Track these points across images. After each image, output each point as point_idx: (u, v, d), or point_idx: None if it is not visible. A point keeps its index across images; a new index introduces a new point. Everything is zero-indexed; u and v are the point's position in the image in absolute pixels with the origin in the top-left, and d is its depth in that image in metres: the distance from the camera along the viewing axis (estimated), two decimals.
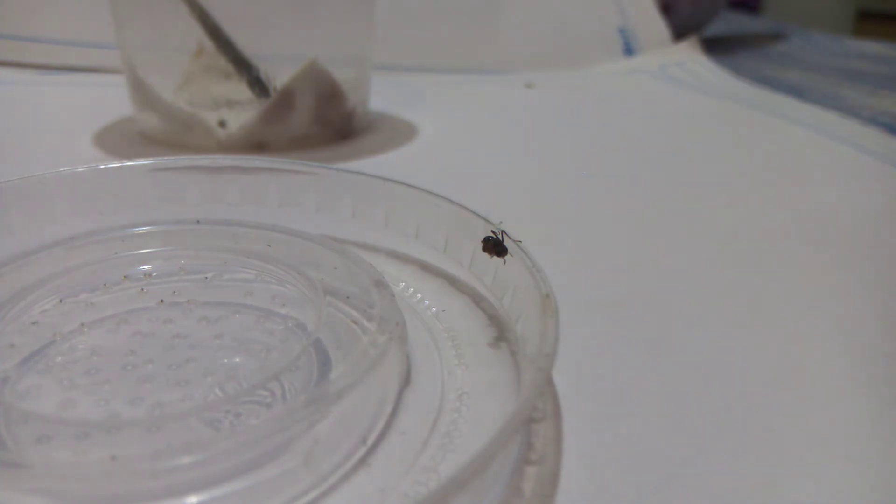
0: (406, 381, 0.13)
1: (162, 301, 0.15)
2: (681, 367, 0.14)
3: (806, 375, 0.14)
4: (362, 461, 0.11)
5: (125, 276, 0.15)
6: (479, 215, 0.16)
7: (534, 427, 0.12)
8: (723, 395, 0.14)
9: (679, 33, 0.58)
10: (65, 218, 0.17)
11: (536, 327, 0.12)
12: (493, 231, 0.15)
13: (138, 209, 0.18)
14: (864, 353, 0.15)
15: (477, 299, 0.16)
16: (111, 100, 0.33)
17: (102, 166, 0.18)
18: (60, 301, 0.14)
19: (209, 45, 0.27)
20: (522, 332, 0.13)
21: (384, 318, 0.13)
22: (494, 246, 0.15)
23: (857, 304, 0.17)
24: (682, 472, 0.11)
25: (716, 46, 0.59)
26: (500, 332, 0.15)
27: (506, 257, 0.15)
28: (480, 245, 0.15)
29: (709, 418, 0.13)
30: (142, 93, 0.28)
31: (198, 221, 0.17)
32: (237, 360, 0.13)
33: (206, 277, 0.16)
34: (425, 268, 0.18)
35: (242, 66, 0.27)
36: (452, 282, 0.17)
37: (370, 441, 0.11)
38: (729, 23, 0.78)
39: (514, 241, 0.15)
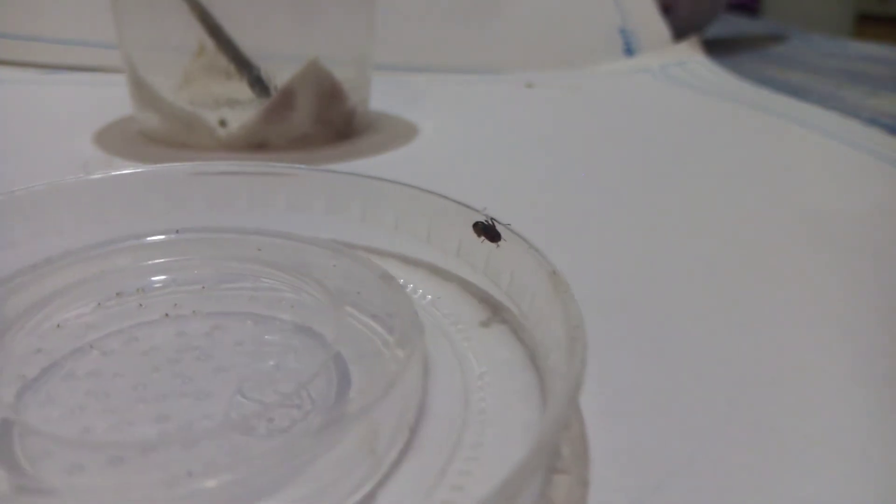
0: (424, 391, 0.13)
1: (172, 314, 0.14)
2: (680, 366, 0.14)
3: (806, 375, 0.14)
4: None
5: (139, 289, 0.15)
6: (494, 219, 0.16)
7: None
8: (723, 394, 0.14)
9: (679, 34, 0.58)
10: (66, 230, 0.16)
11: (563, 354, 0.12)
12: (485, 219, 0.15)
13: (141, 219, 0.17)
14: (864, 353, 0.15)
15: (494, 305, 0.16)
16: (112, 99, 0.33)
17: (96, 176, 0.17)
18: (58, 326, 0.14)
19: (210, 44, 0.27)
20: (543, 340, 0.13)
21: (404, 331, 0.13)
22: (485, 230, 0.15)
23: (857, 304, 0.17)
24: (681, 471, 0.11)
25: (716, 47, 0.59)
26: (520, 339, 0.15)
27: (499, 242, 0.15)
28: (472, 231, 0.15)
29: (708, 418, 0.13)
30: (142, 92, 0.28)
31: (212, 230, 0.16)
32: (259, 369, 0.13)
33: (223, 287, 0.15)
34: (437, 272, 0.17)
35: (243, 65, 0.27)
36: (465, 284, 0.17)
37: (385, 466, 0.11)
38: (729, 25, 0.78)
39: (504, 225, 0.15)
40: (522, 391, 0.13)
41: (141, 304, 0.15)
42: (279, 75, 0.27)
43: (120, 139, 0.29)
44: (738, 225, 0.22)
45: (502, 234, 0.15)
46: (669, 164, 0.29)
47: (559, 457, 0.11)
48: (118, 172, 0.17)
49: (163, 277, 0.15)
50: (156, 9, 0.26)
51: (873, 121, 0.36)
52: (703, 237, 0.21)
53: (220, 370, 0.13)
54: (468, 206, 0.16)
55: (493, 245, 0.15)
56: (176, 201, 0.18)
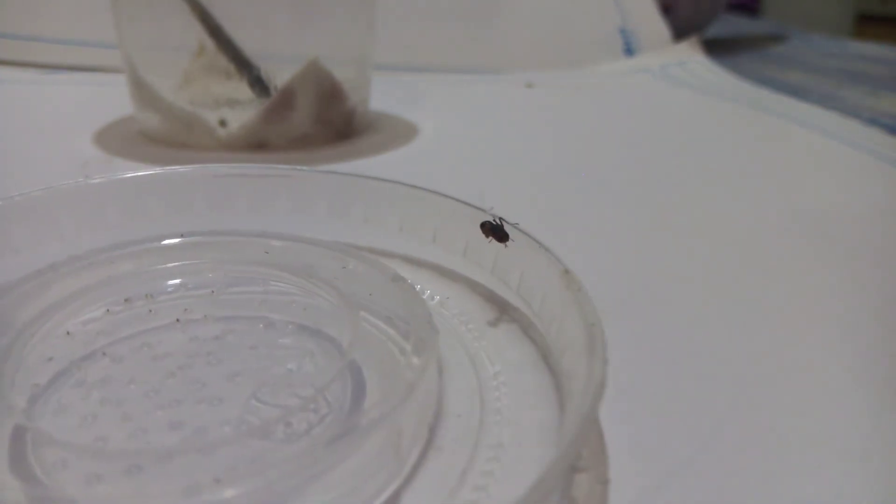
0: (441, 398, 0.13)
1: (183, 318, 0.14)
2: (680, 366, 0.14)
3: (806, 375, 0.14)
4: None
5: (147, 294, 0.15)
6: (502, 219, 0.16)
7: None
8: (723, 394, 0.14)
9: (679, 34, 0.58)
10: (67, 236, 0.16)
11: (580, 352, 0.12)
12: (493, 218, 0.15)
13: (143, 223, 0.17)
14: (864, 353, 0.15)
15: (503, 305, 0.16)
16: (112, 99, 0.33)
17: (96, 181, 0.17)
18: (68, 333, 0.13)
19: (210, 44, 0.27)
20: (556, 339, 0.13)
21: (419, 337, 0.13)
22: (493, 230, 0.15)
23: (857, 304, 0.17)
24: (682, 471, 0.11)
25: (716, 47, 0.59)
26: (532, 338, 0.15)
27: (507, 242, 0.15)
28: (480, 231, 0.15)
29: (709, 418, 0.13)
30: (142, 92, 0.28)
31: (218, 233, 0.16)
32: (274, 373, 0.13)
33: (233, 291, 0.15)
34: (444, 272, 0.17)
35: (243, 65, 0.27)
36: (472, 285, 0.17)
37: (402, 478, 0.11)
38: (729, 25, 0.78)
39: (512, 224, 0.15)
40: (537, 391, 0.13)
41: (150, 310, 0.14)
42: (279, 75, 0.27)
43: (120, 139, 0.29)
44: (738, 225, 0.22)
45: (511, 234, 0.15)
46: (669, 164, 0.29)
47: (579, 456, 0.11)
48: (118, 176, 0.17)
49: (171, 282, 0.15)
50: (156, 9, 0.26)
51: (873, 121, 0.36)
52: (702, 237, 0.21)
53: (234, 375, 0.13)
54: (474, 206, 0.16)
55: (501, 245, 0.15)
56: (177, 205, 0.17)
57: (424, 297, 0.16)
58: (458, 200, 0.16)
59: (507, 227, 0.15)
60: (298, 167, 0.18)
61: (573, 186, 0.26)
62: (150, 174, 0.17)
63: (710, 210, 0.24)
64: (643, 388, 0.14)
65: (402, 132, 0.32)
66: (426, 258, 0.17)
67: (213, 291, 0.15)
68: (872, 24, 1.73)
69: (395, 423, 0.11)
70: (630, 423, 0.13)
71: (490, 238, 0.15)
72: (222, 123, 0.27)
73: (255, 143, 0.28)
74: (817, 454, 0.12)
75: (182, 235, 0.16)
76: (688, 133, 0.35)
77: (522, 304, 0.15)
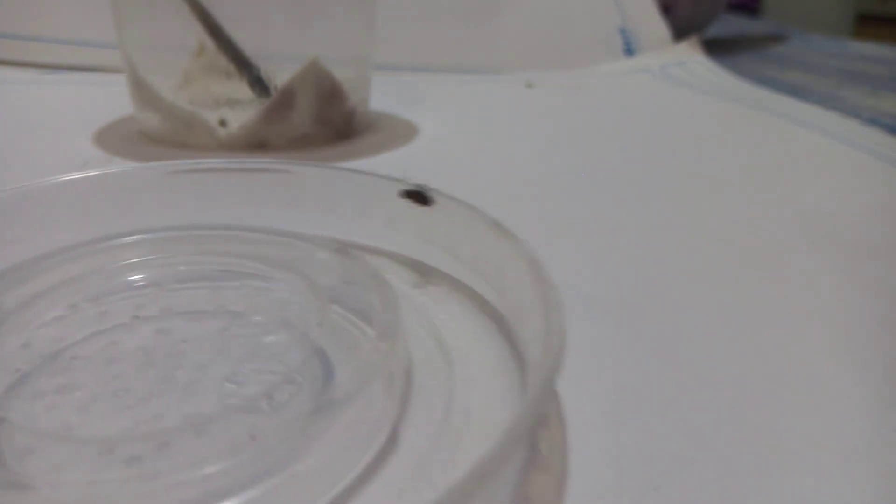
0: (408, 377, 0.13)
1: (149, 314, 0.14)
2: (680, 366, 0.14)
3: (806, 375, 0.14)
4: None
5: (114, 291, 0.15)
6: (421, 184, 0.16)
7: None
8: (723, 394, 0.14)
9: (679, 34, 0.58)
10: (29, 237, 0.16)
11: (532, 295, 0.12)
12: (411, 186, 0.16)
13: (115, 220, 0.17)
14: (864, 353, 0.15)
15: (430, 269, 0.16)
16: (112, 99, 0.33)
17: (44, 183, 0.17)
18: (26, 344, 0.13)
19: (210, 44, 0.27)
20: (500, 283, 0.14)
21: (385, 323, 0.13)
22: (412, 195, 0.15)
23: (857, 305, 0.17)
24: (681, 471, 0.11)
25: (716, 47, 0.59)
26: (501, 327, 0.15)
27: (432, 205, 0.15)
28: (402, 199, 0.16)
29: (709, 418, 0.13)
30: (142, 92, 0.28)
31: (189, 227, 0.16)
32: (243, 362, 0.13)
33: (204, 285, 0.15)
34: (371, 249, 0.17)
35: (243, 65, 0.27)
36: (396, 256, 0.17)
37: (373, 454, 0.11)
38: (729, 25, 0.78)
39: (432, 189, 0.16)
40: (486, 338, 0.14)
41: (106, 311, 0.14)
42: (279, 75, 0.27)
43: (120, 139, 0.29)
44: (738, 225, 0.22)
45: (434, 198, 0.15)
46: (669, 164, 0.29)
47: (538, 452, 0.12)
48: (79, 175, 0.17)
49: (138, 277, 0.15)
50: (156, 9, 0.26)
51: (873, 121, 0.36)
52: (702, 237, 0.21)
53: (204, 365, 0.13)
54: (390, 178, 0.16)
55: (425, 212, 0.15)
56: (131, 204, 0.17)
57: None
58: (375, 175, 0.17)
59: (429, 193, 0.15)
60: (248, 160, 0.18)
61: (573, 186, 0.26)
62: (99, 174, 0.17)
63: (710, 210, 0.24)
64: (642, 388, 0.14)
65: (402, 132, 0.32)
66: (352, 238, 0.17)
67: (183, 285, 0.15)
68: (872, 24, 1.73)
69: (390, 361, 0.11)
70: (626, 423, 0.13)
71: (412, 203, 0.15)
72: (222, 123, 0.27)
73: (255, 143, 0.28)
74: (817, 454, 0.12)
75: (152, 231, 0.16)
76: (688, 133, 0.35)
77: (457, 264, 0.15)
